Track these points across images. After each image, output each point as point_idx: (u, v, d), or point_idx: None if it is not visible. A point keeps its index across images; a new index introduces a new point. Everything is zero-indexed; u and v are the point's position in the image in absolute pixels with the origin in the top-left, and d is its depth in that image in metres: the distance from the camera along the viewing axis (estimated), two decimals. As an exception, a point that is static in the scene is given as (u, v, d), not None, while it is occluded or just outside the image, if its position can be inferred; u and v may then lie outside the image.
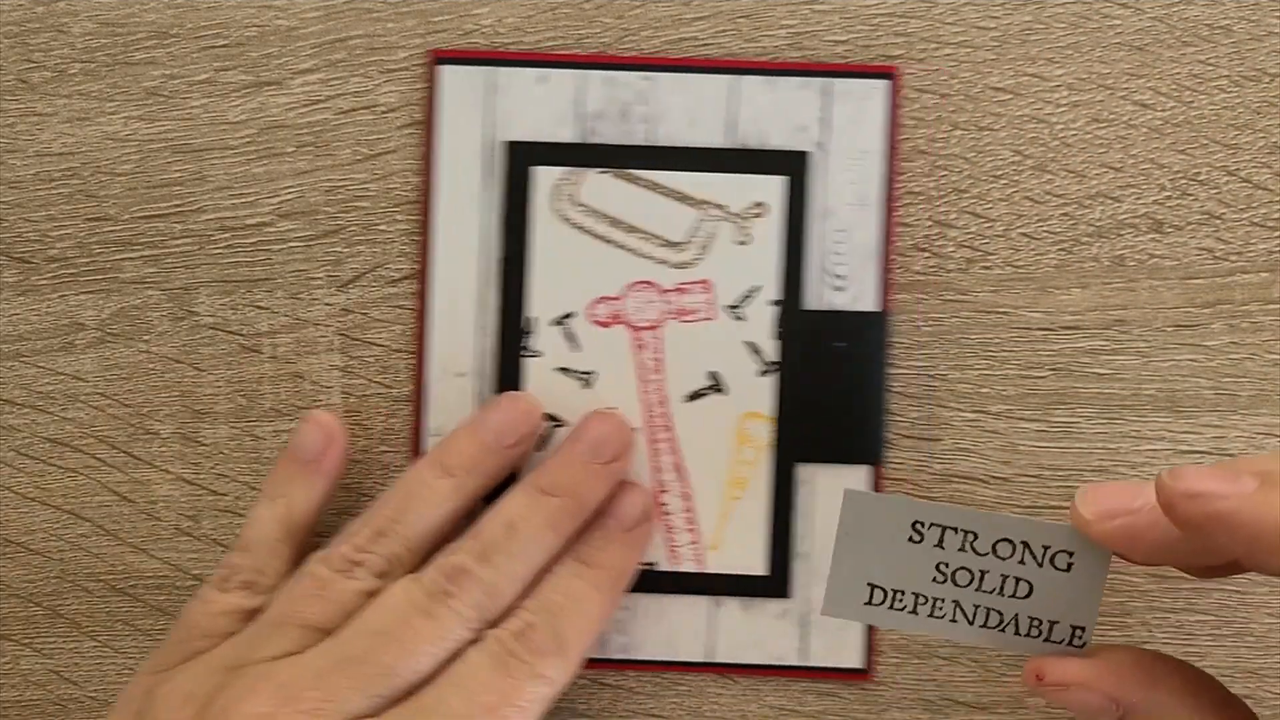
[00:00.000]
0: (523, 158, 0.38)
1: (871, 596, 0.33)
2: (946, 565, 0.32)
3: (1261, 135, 0.39)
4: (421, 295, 0.39)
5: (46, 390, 0.39)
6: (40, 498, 0.39)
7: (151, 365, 0.39)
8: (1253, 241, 0.39)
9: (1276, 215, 0.39)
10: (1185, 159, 0.39)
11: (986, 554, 0.32)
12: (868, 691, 0.39)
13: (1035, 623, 0.32)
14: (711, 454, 0.38)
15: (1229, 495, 0.28)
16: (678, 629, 0.38)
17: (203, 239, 0.39)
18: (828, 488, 0.38)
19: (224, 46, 0.39)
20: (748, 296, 0.38)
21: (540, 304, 0.38)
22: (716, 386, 0.38)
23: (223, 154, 0.39)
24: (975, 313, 0.39)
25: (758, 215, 0.38)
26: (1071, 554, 0.32)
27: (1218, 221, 0.39)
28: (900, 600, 0.33)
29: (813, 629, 0.38)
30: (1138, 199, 0.39)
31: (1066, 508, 0.38)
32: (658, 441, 0.38)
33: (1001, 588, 0.32)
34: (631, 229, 0.38)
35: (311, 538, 0.37)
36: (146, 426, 0.39)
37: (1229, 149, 0.39)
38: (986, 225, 0.39)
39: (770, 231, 0.38)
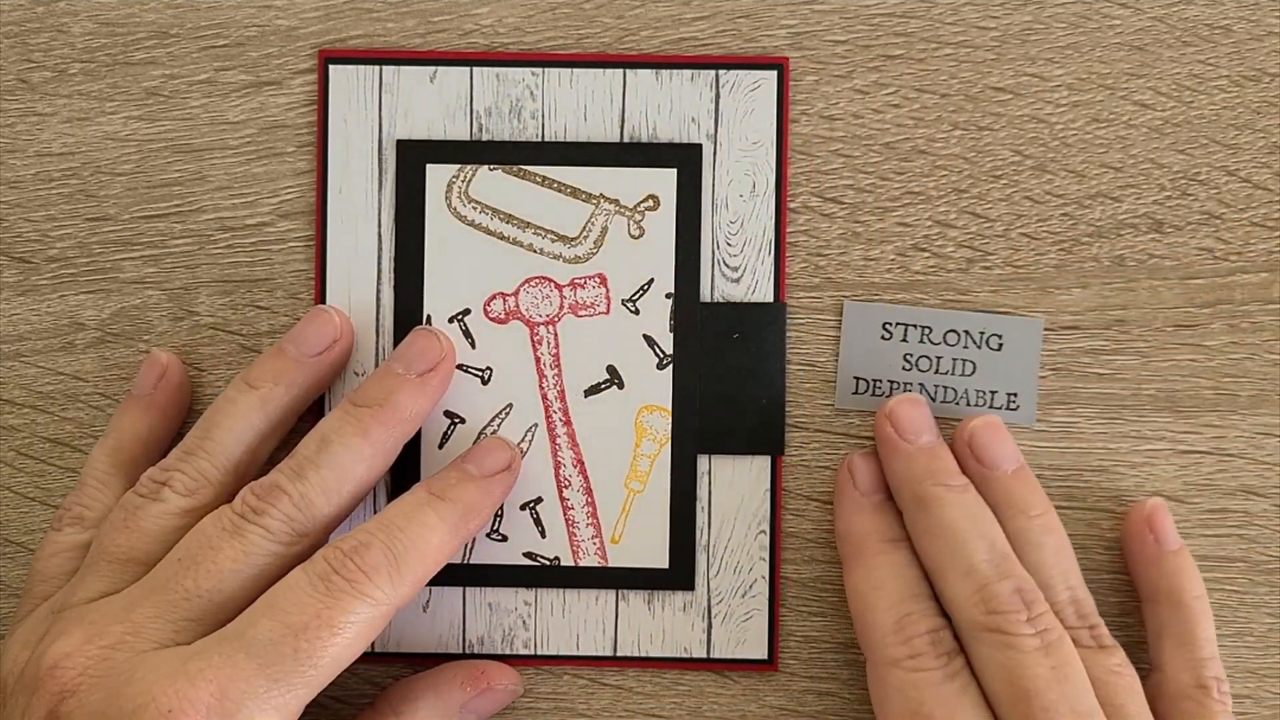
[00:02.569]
0: (414, 156, 0.38)
1: (858, 387, 0.38)
2: (911, 355, 0.38)
3: (1261, 135, 0.39)
4: (319, 294, 0.39)
5: (46, 390, 0.39)
6: (40, 498, 0.39)
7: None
8: (1253, 241, 0.39)
9: (1276, 215, 0.39)
10: (1185, 159, 0.39)
11: (939, 343, 0.38)
12: (867, 692, 0.39)
13: (980, 394, 0.38)
14: (611, 448, 0.38)
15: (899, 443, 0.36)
16: (582, 624, 0.38)
17: (203, 239, 0.39)
18: (728, 479, 0.38)
19: (224, 46, 0.39)
20: (643, 290, 0.38)
21: (436, 302, 0.38)
22: (615, 380, 0.38)
23: (223, 154, 0.39)
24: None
25: (651, 208, 0.38)
26: (1001, 336, 0.38)
27: (1218, 221, 0.39)
28: (879, 388, 0.38)
29: (716, 621, 0.38)
30: (1138, 199, 0.39)
31: (1068, 507, 0.38)
32: (557, 436, 0.38)
33: (953, 369, 0.38)
34: (525, 224, 0.38)
35: (147, 469, 0.37)
36: (146, 426, 0.39)
37: (1229, 149, 0.39)
38: (986, 225, 0.39)
39: (664, 224, 0.38)
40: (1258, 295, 0.39)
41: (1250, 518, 0.39)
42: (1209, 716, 0.35)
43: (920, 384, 0.38)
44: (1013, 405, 0.38)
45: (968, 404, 0.38)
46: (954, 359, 0.38)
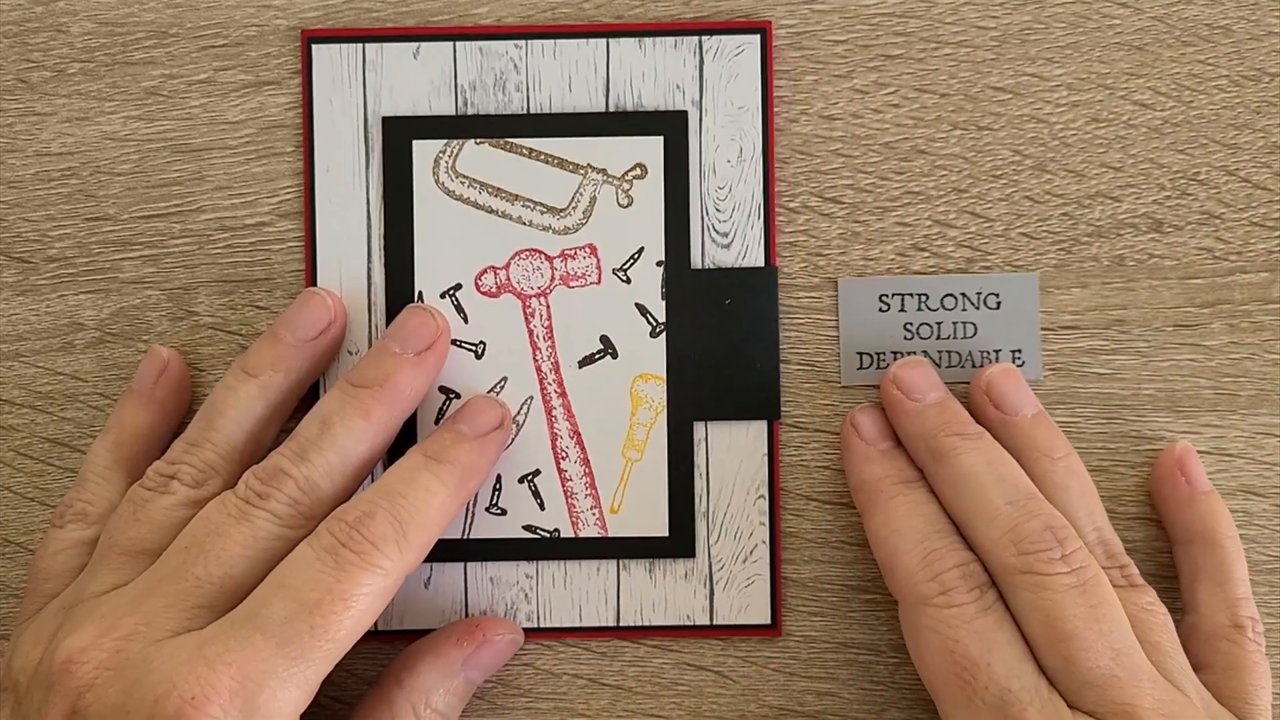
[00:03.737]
0: (400, 132, 0.38)
1: (862, 363, 0.38)
2: (911, 324, 0.38)
3: (1261, 135, 0.39)
4: (310, 276, 0.39)
5: (46, 390, 0.39)
6: (40, 498, 0.39)
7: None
8: (1253, 241, 0.39)
9: (1276, 215, 0.39)
10: (1185, 159, 0.39)
11: (938, 309, 0.38)
12: (867, 691, 0.39)
13: (985, 354, 0.38)
14: (607, 418, 0.38)
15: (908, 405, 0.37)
16: (584, 595, 0.38)
17: (202, 239, 0.39)
18: (725, 445, 0.38)
19: (224, 46, 0.39)
20: (634, 258, 0.38)
21: (427, 278, 0.38)
22: (608, 350, 0.38)
23: (222, 154, 0.39)
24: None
25: (639, 176, 0.38)
26: (998, 294, 0.38)
27: (1217, 221, 0.39)
28: (883, 360, 0.38)
29: (719, 588, 0.38)
30: (1138, 199, 0.39)
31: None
32: (553, 408, 0.38)
33: (954, 333, 0.38)
34: (514, 197, 0.38)
35: (149, 464, 0.37)
36: (146, 426, 0.39)
37: (1229, 149, 0.39)
38: (986, 225, 0.39)
39: (652, 192, 0.38)
40: (1258, 295, 0.39)
41: (1250, 518, 0.39)
42: (1245, 655, 0.35)
43: (924, 351, 0.38)
44: (1018, 361, 0.38)
45: (973, 365, 0.38)
46: (954, 323, 0.38)
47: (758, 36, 0.38)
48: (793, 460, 0.39)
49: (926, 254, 0.39)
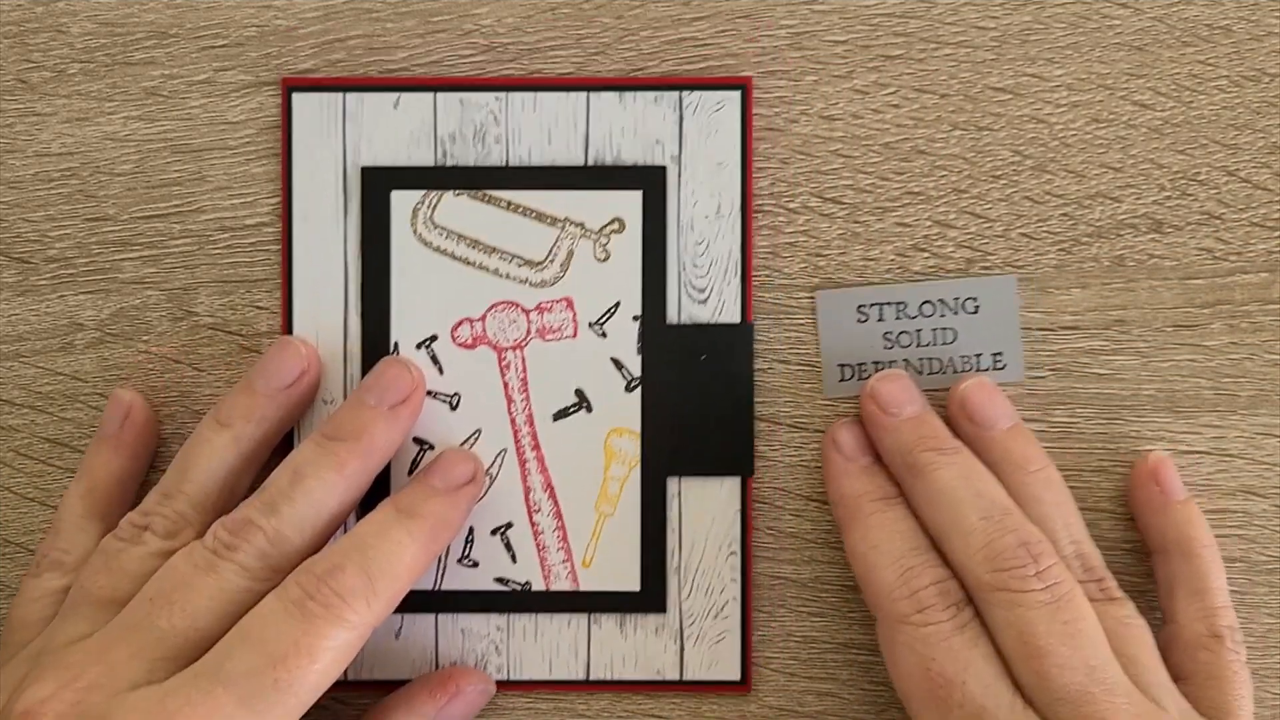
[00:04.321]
0: (379, 183, 0.38)
1: (843, 374, 0.38)
2: (890, 334, 0.38)
3: (1261, 135, 0.39)
4: (286, 324, 0.39)
5: (46, 390, 0.39)
6: (40, 498, 0.39)
7: (151, 365, 0.39)
8: (1253, 241, 0.39)
9: (1276, 215, 0.39)
10: (1185, 159, 0.39)
11: (916, 316, 0.38)
12: (867, 692, 0.39)
13: (966, 359, 0.38)
14: (581, 471, 0.38)
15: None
16: (554, 648, 0.38)
17: (202, 239, 0.39)
18: (698, 501, 0.38)
19: (224, 46, 0.39)
20: (610, 312, 0.38)
21: (403, 328, 0.38)
22: (583, 404, 0.38)
23: (222, 154, 0.39)
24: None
25: (616, 231, 0.38)
26: (976, 298, 0.38)
27: (1217, 221, 0.39)
28: (864, 371, 0.38)
29: (689, 644, 0.38)
30: (1137, 199, 0.39)
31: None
32: (526, 461, 0.38)
33: (935, 339, 0.38)
34: (491, 249, 0.38)
35: (123, 510, 0.37)
36: (146, 427, 0.39)
37: (1229, 149, 0.39)
38: (986, 225, 0.39)
39: (629, 247, 0.38)
40: (1258, 295, 0.39)
41: (1250, 518, 0.39)
42: (1224, 665, 0.35)
43: (905, 360, 0.38)
44: (999, 365, 0.38)
45: (954, 371, 0.38)
46: (934, 329, 0.38)
47: (738, 93, 0.38)
48: (793, 460, 0.39)
49: (926, 254, 0.39)
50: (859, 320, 0.38)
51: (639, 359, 0.38)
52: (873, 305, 0.38)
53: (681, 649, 0.38)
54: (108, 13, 0.39)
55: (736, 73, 0.39)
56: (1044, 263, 0.39)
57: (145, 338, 0.39)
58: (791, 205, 0.39)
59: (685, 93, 0.38)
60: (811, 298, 0.39)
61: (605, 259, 0.38)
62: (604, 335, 0.38)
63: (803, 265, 0.39)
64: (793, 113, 0.39)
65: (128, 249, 0.39)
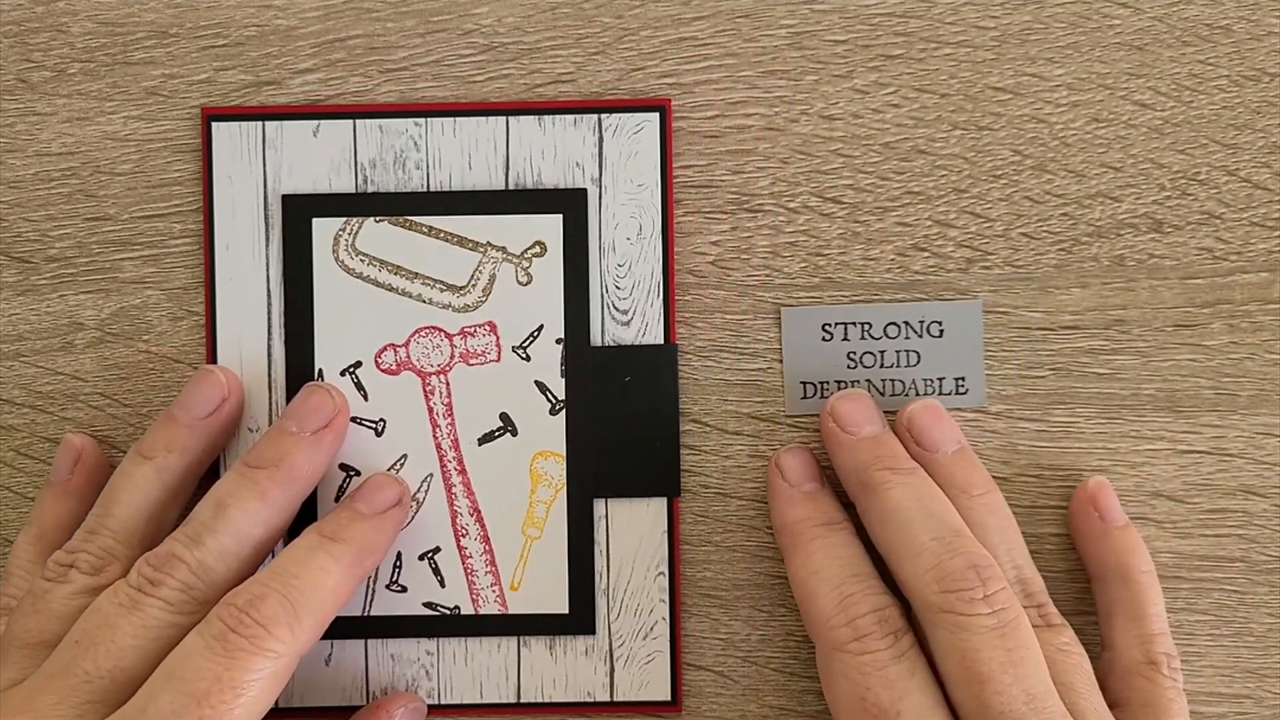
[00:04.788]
0: (300, 210, 0.38)
1: (805, 392, 0.38)
2: (854, 353, 0.38)
3: (1261, 135, 0.39)
4: (210, 353, 0.39)
5: (46, 390, 0.39)
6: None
7: (151, 365, 0.39)
8: (1253, 241, 0.39)
9: (1276, 215, 0.39)
10: (1185, 159, 0.39)
11: (880, 337, 0.38)
12: None
13: (928, 382, 0.38)
14: (507, 495, 0.38)
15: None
16: (484, 672, 0.38)
17: (202, 239, 0.39)
18: (625, 522, 0.38)
19: (224, 46, 0.39)
20: (533, 336, 0.38)
21: (327, 355, 0.38)
22: (508, 428, 0.38)
23: (222, 154, 0.39)
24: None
25: (538, 254, 0.38)
26: (941, 322, 0.38)
27: (1217, 221, 0.39)
28: (827, 390, 0.38)
29: (619, 665, 0.38)
30: (1138, 199, 0.39)
31: (1067, 508, 0.38)
32: (452, 485, 0.38)
33: (898, 361, 0.38)
34: (414, 275, 0.38)
35: None
36: (146, 426, 0.39)
37: (1229, 149, 0.39)
38: (986, 225, 0.39)
39: (551, 270, 0.38)
40: (1258, 295, 0.39)
41: (1250, 518, 0.39)
42: (1160, 693, 0.35)
43: (867, 380, 0.38)
44: (961, 389, 0.38)
45: (916, 393, 0.38)
46: (897, 351, 0.38)
47: (657, 114, 0.38)
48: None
49: (926, 254, 0.39)
50: (823, 339, 0.38)
51: (563, 382, 0.38)
52: (837, 324, 0.38)
53: (612, 670, 0.38)
54: (108, 13, 0.39)
55: (736, 72, 0.39)
56: (1044, 262, 0.39)
57: (145, 338, 0.39)
58: (791, 205, 0.39)
59: (604, 115, 0.38)
60: (812, 298, 0.39)
61: (528, 282, 0.38)
62: (528, 359, 0.38)
63: (803, 265, 0.39)
64: (793, 113, 0.39)
65: (128, 249, 0.39)
